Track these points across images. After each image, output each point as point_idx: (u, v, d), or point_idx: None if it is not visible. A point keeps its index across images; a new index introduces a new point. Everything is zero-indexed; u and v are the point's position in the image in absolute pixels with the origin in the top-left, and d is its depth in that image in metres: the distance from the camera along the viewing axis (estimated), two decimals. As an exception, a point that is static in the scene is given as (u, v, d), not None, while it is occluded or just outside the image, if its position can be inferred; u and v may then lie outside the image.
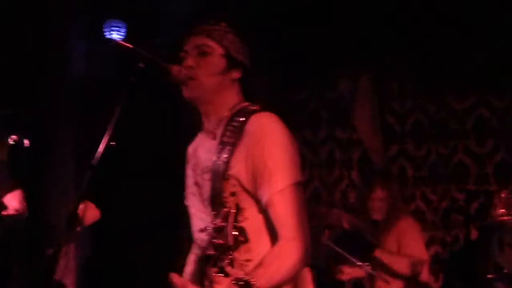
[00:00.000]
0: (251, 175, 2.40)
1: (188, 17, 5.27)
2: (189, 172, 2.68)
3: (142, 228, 5.75)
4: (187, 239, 2.81)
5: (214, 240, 2.24)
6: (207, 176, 2.49)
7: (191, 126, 2.72)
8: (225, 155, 2.42)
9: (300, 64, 6.02)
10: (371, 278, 4.98)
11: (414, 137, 6.59)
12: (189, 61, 2.57)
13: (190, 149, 2.74)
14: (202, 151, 2.60)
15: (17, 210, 4.67)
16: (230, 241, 2.21)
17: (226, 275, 2.20)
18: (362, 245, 5.17)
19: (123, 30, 5.64)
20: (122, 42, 2.63)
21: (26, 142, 6.65)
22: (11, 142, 5.81)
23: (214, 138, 2.54)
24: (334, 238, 5.05)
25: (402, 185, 6.27)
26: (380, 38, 5.96)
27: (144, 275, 5.56)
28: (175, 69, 2.56)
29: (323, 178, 6.77)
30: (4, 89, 6.36)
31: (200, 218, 2.54)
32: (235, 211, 2.23)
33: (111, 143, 2.64)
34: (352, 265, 4.98)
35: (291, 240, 2.35)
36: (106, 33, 5.60)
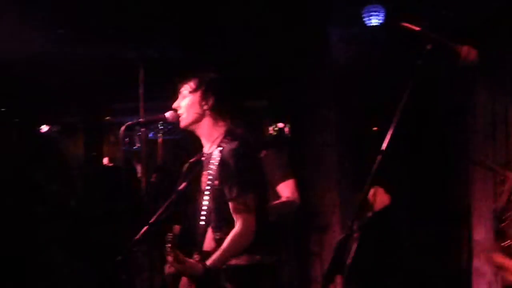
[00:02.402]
0: None
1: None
2: None
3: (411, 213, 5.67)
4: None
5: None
6: None
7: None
8: None
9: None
10: None
11: None
12: None
13: None
14: None
15: (288, 198, 4.79)
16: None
17: None
18: None
19: (381, 14, 5.62)
20: (408, 25, 2.61)
21: (286, 130, 6.89)
22: (271, 131, 6.00)
23: None
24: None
25: None
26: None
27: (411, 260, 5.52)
28: (464, 50, 2.50)
29: None
30: (264, 79, 6.63)
31: None
32: None
33: (373, 128, 2.63)
34: None
35: None
36: (365, 19, 5.61)
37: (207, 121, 3.58)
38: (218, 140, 3.54)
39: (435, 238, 5.41)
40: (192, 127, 3.62)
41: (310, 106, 6.31)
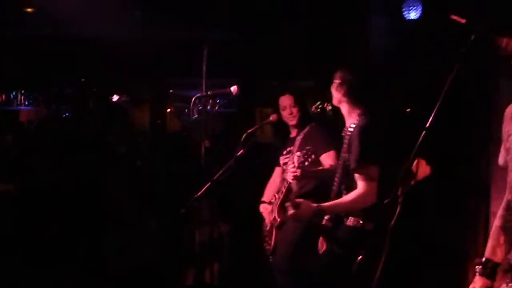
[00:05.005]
0: None
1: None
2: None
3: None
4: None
5: None
6: None
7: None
8: None
9: None
10: None
11: None
12: None
13: (510, 109, 2.67)
14: None
15: (332, 166, 4.85)
16: None
17: None
18: None
19: (419, 9, 5.53)
20: (456, 17, 2.59)
21: (328, 108, 6.84)
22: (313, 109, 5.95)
23: None
24: None
25: None
26: None
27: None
28: (505, 41, 2.48)
29: None
30: (308, 62, 6.61)
31: None
32: None
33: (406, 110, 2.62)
34: None
35: None
36: (405, 13, 5.52)
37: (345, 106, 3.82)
38: (353, 119, 3.75)
39: (456, 211, 5.34)
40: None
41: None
